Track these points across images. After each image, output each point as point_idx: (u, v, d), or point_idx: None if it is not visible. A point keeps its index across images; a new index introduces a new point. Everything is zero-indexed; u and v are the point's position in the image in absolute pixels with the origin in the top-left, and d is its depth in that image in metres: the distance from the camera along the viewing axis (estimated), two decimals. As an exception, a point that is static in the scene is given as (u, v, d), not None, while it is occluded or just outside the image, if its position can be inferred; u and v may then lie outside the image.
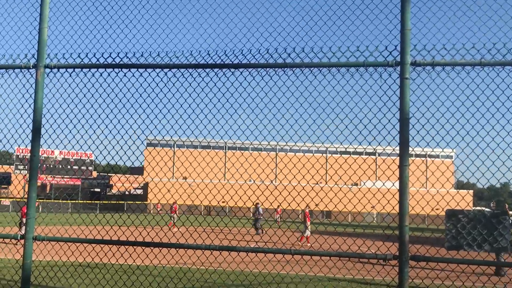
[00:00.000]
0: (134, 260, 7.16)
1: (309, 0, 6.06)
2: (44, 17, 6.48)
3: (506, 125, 5.49)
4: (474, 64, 5.54)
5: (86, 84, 6.54)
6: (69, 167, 75.10)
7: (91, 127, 6.62)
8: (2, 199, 66.16)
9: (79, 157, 75.54)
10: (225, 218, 43.67)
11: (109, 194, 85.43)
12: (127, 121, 6.49)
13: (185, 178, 50.64)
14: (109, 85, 6.48)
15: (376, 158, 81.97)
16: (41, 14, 6.48)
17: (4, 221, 23.92)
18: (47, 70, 6.46)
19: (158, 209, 67.67)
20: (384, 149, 6.08)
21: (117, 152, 6.62)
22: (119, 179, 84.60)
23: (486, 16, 5.59)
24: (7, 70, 6.66)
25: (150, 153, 8.27)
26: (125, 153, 6.62)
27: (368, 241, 11.25)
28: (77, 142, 6.78)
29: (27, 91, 6.63)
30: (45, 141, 6.74)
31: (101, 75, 6.43)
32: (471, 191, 73.24)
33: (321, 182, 73.69)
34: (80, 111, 6.62)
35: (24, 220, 6.34)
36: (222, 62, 6.07)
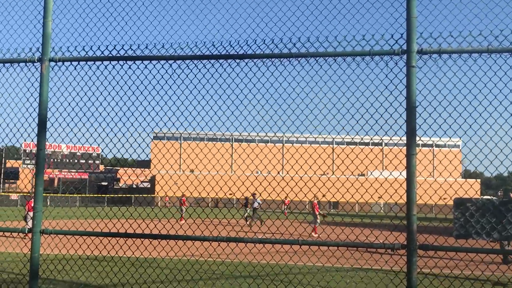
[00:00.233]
0: (141, 253, 7.18)
1: (313, -11, 6.01)
2: (48, 10, 6.46)
3: (514, 112, 5.44)
4: (481, 51, 5.48)
5: (91, 77, 6.53)
6: (76, 161, 75.38)
7: (96, 120, 6.62)
8: (10, 194, 66.50)
9: (86, 151, 75.77)
10: (232, 209, 43.67)
11: (117, 187, 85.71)
12: (132, 114, 6.48)
13: (192, 170, 50.74)
14: (114, 78, 6.46)
15: (382, 148, 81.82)
16: (45, 8, 6.46)
17: (12, 215, 24.06)
18: (52, 63, 6.45)
19: (166, 202, 67.87)
20: (391, 138, 6.04)
21: (123, 145, 6.61)
22: (126, 172, 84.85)
23: (493, 2, 5.53)
24: (12, 64, 6.66)
25: (156, 145, 8.26)
26: (131, 145, 6.61)
27: (376, 231, 11.23)
28: (83, 135, 6.77)
29: (32, 84, 6.63)
30: (51, 135, 6.74)
31: (105, 67, 6.42)
32: (478, 180, 73.01)
33: (327, 173, 73.64)
34: (85, 104, 6.62)
35: (30, 213, 6.34)
36: (227, 53, 6.04)
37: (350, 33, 5.73)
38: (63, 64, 6.47)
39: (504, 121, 5.51)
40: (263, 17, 6.07)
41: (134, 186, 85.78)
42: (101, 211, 6.63)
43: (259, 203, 30.53)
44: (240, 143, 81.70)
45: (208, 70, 6.16)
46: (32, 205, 6.40)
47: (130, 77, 6.40)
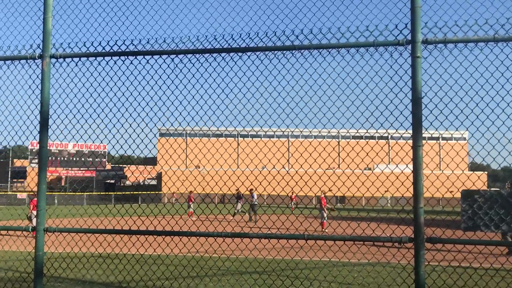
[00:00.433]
0: (146, 250, 7.12)
1: (316, -20, 5.92)
2: (48, 6, 6.39)
3: (522, 102, 5.34)
4: (487, 40, 5.38)
5: (93, 73, 6.46)
6: (83, 159, 75.55)
7: (98, 116, 6.56)
8: (18, 193, 66.74)
9: (92, 149, 75.91)
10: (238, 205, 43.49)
11: (124, 185, 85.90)
12: (135, 109, 6.42)
13: (198, 167, 50.73)
14: (115, 73, 6.40)
15: (388, 141, 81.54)
16: (45, 4, 6.40)
17: (15, 214, 24.03)
18: (53, 60, 6.40)
19: (174, 200, 67.89)
20: (396, 131, 5.95)
21: (129, 145, 6.56)
22: (132, 171, 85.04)
23: (499, -10, 5.43)
24: (13, 61, 6.61)
25: (162, 145, 8.20)
26: (137, 145, 6.55)
27: (383, 225, 11.14)
28: (85, 132, 6.72)
29: (34, 82, 6.57)
30: (53, 132, 6.68)
31: (107, 63, 6.35)
32: (485, 172, 72.66)
33: (333, 167, 73.49)
34: (87, 100, 6.56)
35: (34, 212, 6.29)
36: (229, 46, 5.96)
37: (354, 24, 5.66)
38: (64, 60, 6.42)
39: (512, 111, 5.41)
40: (265, 9, 6.00)
41: (141, 183, 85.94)
42: (109, 209, 6.57)
43: (255, 198, 30.40)
44: (245, 138, 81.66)
45: (210, 64, 6.09)
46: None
47: (132, 73, 6.34)
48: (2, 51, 6.59)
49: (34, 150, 69.45)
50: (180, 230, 5.94)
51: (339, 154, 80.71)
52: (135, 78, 6.34)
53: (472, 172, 64.66)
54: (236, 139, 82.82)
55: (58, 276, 9.10)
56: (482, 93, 5.41)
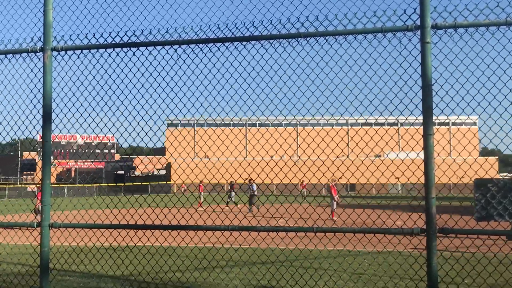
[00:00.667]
0: (153, 243, 7.04)
1: (321, -35, 5.74)
2: (48, -2, 6.27)
3: (536, 87, 5.17)
4: (499, 24, 5.20)
5: (95, 66, 6.35)
6: (91, 151, 75.80)
7: (102, 109, 6.45)
8: (27, 185, 67.11)
9: (101, 141, 76.12)
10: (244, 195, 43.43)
11: (133, 176, 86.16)
12: (138, 102, 6.31)
13: (207, 156, 50.75)
14: (118, 65, 6.27)
15: (398, 129, 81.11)
16: (45, -5, 6.28)
17: (24, 205, 24.03)
18: (55, 53, 6.28)
19: (183, 190, 68.01)
20: (406, 119, 5.81)
21: (137, 133, 6.45)
22: (141, 160, 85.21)
23: (511, -28, 5.24)
24: (14, 55, 6.50)
25: (171, 132, 8.10)
26: (145, 133, 6.45)
27: (394, 215, 10.99)
28: (89, 125, 6.62)
29: (36, 75, 6.47)
30: (61, 122, 6.60)
31: (109, 55, 6.22)
32: (496, 158, 72.16)
33: (342, 155, 73.28)
34: (90, 93, 6.45)
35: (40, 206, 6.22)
36: (233, 36, 5.82)
37: (361, 10, 5.48)
38: (65, 53, 6.30)
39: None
40: (269, -4, 5.84)
41: (150, 174, 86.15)
42: (118, 199, 6.48)
43: (253, 189, 30.33)
44: (252, 127, 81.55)
45: (214, 54, 5.95)
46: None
47: (134, 64, 6.22)
48: (3, 45, 6.49)
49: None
50: (187, 224, 5.84)
51: (347, 144, 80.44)
52: (138, 69, 6.22)
53: (485, 158, 64.27)
54: (244, 128, 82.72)
55: (66, 269, 9.05)
56: (494, 78, 5.24)
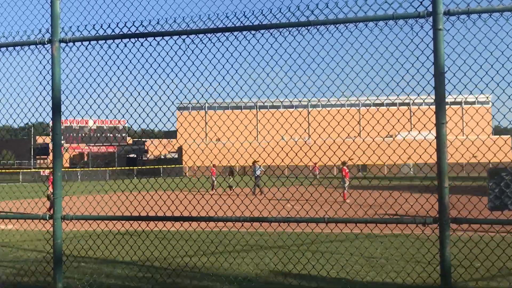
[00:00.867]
0: (164, 225, 7.04)
1: (330, -49, 5.63)
2: (55, -11, 6.22)
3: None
4: (514, 9, 5.07)
5: (103, 57, 6.31)
6: (103, 135, 76.14)
7: (115, 95, 6.43)
8: (41, 170, 67.64)
9: (113, 125, 76.38)
10: (263, 177, 43.52)
11: (145, 159, 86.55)
12: (151, 87, 6.27)
13: (218, 139, 50.83)
14: (126, 56, 6.23)
15: (410, 107, 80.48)
16: (51, -14, 6.23)
17: (34, 194, 24.17)
18: (63, 44, 6.24)
19: (194, 171, 68.27)
20: (418, 95, 5.68)
21: (149, 116, 6.44)
22: (152, 142, 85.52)
23: (526, -45, 5.10)
24: (23, 47, 6.47)
25: (183, 116, 8.09)
26: (155, 114, 6.43)
27: (406, 205, 10.94)
28: (98, 106, 6.61)
29: (44, 67, 6.44)
30: (66, 106, 6.59)
31: (117, 46, 6.18)
32: (510, 136, 71.50)
33: (354, 136, 72.98)
34: (99, 85, 6.43)
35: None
36: (241, 24, 5.74)
37: (372, -3, 5.38)
38: (74, 44, 6.26)
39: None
40: (278, -16, 5.74)
41: (162, 157, 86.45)
42: (133, 186, 6.48)
43: (259, 171, 30.36)
44: (263, 109, 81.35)
45: (222, 44, 5.88)
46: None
47: (143, 55, 6.17)
48: (11, 37, 6.46)
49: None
50: (198, 216, 5.84)
51: (359, 122, 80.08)
52: (146, 60, 6.18)
53: (498, 136, 63.70)
54: (255, 110, 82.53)
55: (80, 256, 9.09)
56: (509, 65, 5.14)
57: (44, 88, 6.45)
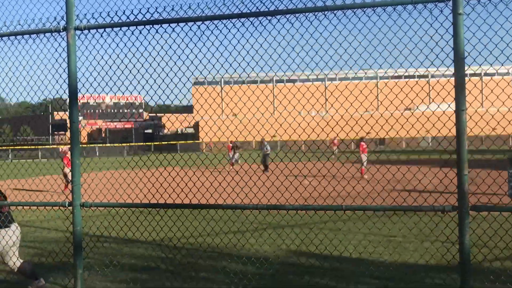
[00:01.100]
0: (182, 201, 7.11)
1: None
2: (69, -24, 6.17)
3: None
4: (537, -9, 4.93)
5: (119, 44, 6.28)
6: (120, 111, 76.59)
7: (127, 77, 6.42)
8: (60, 146, 68.32)
9: (129, 101, 76.76)
10: (280, 153, 43.68)
11: (162, 134, 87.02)
12: (162, 69, 6.24)
13: (235, 114, 50.77)
14: (141, 44, 6.20)
15: (429, 80, 79.49)
16: (65, -27, 6.18)
17: (53, 170, 24.36)
18: (78, 32, 6.22)
19: (211, 147, 68.48)
20: (437, 69, 5.55)
21: (165, 93, 6.42)
22: (168, 119, 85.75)
23: None
24: (38, 35, 6.46)
25: (200, 92, 8.08)
26: (171, 91, 6.42)
27: (424, 194, 10.82)
28: (114, 83, 6.60)
29: (60, 55, 6.44)
30: (91, 85, 6.59)
31: (132, 33, 6.14)
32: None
33: (372, 110, 72.46)
34: (115, 72, 6.42)
35: (68, 169, 6.27)
36: (257, 10, 5.65)
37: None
38: (89, 32, 6.23)
39: None
40: (294, -33, 5.63)
41: (179, 132, 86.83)
42: (150, 160, 6.51)
43: (267, 148, 30.36)
44: (281, 84, 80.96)
45: (238, 30, 5.81)
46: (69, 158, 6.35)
47: (158, 42, 6.13)
48: (27, 25, 6.45)
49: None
50: (216, 203, 5.86)
51: (376, 96, 79.40)
52: (162, 47, 6.14)
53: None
54: (272, 84, 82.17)
55: (100, 234, 9.19)
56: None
57: (61, 76, 6.45)
